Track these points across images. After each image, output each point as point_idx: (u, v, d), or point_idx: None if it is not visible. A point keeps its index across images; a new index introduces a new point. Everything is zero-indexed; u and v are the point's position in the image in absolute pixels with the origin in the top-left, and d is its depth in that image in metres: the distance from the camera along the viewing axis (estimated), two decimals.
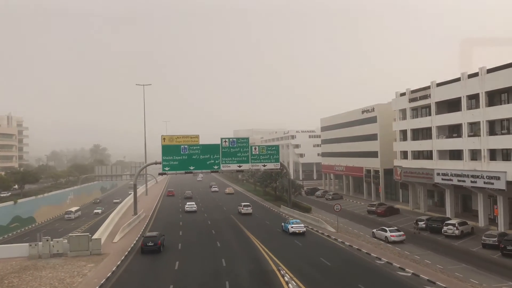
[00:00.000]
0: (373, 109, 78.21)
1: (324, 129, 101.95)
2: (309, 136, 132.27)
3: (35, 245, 37.43)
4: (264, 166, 63.81)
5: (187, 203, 74.24)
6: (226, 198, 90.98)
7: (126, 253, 38.74)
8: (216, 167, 61.93)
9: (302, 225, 48.46)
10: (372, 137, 77.79)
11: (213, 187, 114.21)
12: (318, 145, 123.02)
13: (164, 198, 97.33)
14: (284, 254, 37.10)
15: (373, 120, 77.96)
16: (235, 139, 63.54)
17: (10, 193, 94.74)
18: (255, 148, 63.89)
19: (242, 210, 65.78)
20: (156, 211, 71.96)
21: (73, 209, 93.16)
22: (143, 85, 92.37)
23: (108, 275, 31.25)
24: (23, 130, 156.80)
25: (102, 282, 29.54)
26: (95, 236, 40.90)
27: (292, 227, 47.27)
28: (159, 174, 63.00)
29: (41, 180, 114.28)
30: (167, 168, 60.64)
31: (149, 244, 38.89)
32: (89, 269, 33.36)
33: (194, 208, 71.18)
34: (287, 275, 29.63)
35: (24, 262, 36.00)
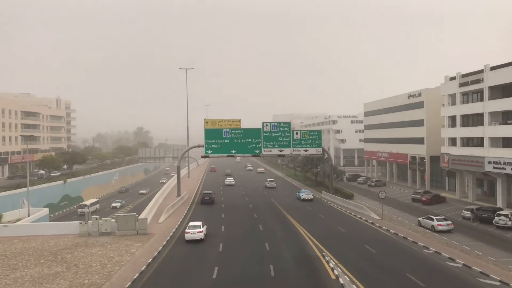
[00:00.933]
0: (420, 93, 75.47)
1: (367, 114, 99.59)
2: (351, 122, 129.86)
3: (85, 223, 38.84)
4: (306, 151, 63.14)
5: (227, 178, 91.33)
6: (258, 176, 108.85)
7: (171, 233, 39.59)
8: (257, 151, 61.91)
9: (311, 193, 65.52)
10: (418, 122, 75.25)
11: (248, 167, 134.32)
12: (360, 131, 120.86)
13: (207, 178, 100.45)
14: (327, 240, 36.67)
15: (419, 105, 75.30)
16: (276, 124, 63.07)
17: (59, 173, 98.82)
18: (297, 133, 63.28)
19: (267, 184, 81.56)
20: (199, 193, 72.93)
21: (88, 202, 77.04)
22: (186, 69, 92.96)
23: (155, 255, 32.03)
24: (70, 113, 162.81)
25: (149, 261, 30.30)
26: (141, 216, 41.95)
27: (302, 194, 64.47)
28: (202, 157, 63.74)
29: (88, 161, 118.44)
30: (209, 151, 61.23)
31: (206, 198, 60.73)
32: (136, 248, 34.30)
33: (232, 182, 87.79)
34: (332, 261, 29.29)
35: (75, 239, 37.49)
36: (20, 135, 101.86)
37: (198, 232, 36.69)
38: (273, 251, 33.34)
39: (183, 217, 48.74)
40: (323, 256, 30.87)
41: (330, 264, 28.63)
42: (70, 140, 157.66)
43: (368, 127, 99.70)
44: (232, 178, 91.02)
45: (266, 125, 62.32)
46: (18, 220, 49.54)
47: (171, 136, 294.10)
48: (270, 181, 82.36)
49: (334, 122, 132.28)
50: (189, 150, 79.32)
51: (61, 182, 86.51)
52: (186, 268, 29.09)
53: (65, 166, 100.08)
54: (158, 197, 58.57)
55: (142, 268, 28.65)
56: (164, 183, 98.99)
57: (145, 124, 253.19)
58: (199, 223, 37.91)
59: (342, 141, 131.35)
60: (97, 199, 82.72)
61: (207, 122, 61.98)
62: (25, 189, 74.31)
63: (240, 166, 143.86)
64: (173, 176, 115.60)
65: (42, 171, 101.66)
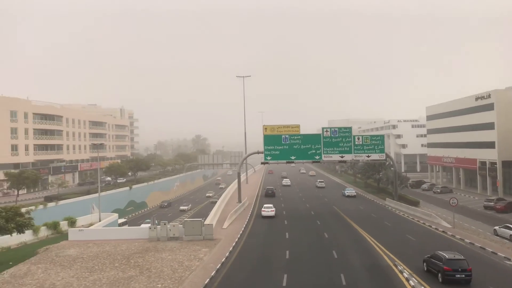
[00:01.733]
0: (489, 95, 71.41)
1: (430, 118, 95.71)
2: (412, 126, 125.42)
3: (154, 228, 40.08)
4: (368, 157, 61.46)
5: (284, 180, 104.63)
6: (310, 178, 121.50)
7: (237, 239, 39.92)
8: (317, 157, 61.10)
9: (354, 191, 77.72)
10: (488, 126, 71.20)
11: (301, 170, 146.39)
12: (422, 135, 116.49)
13: (265, 183, 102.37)
14: (397, 249, 35.35)
15: (489, 107, 71.24)
16: (336, 129, 62.03)
17: (125, 179, 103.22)
18: (358, 138, 61.83)
19: (318, 184, 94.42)
20: (259, 199, 73.18)
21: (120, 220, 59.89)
22: (243, 76, 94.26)
23: (223, 260, 32.36)
24: (133, 122, 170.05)
25: (218, 267, 30.64)
26: (206, 221, 42.69)
27: (346, 192, 76.70)
28: (262, 163, 63.95)
29: (151, 168, 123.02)
30: (269, 158, 61.23)
31: (269, 192, 76.82)
32: (204, 253, 34.86)
33: (289, 183, 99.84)
34: (405, 271, 28.14)
35: (145, 243, 38.75)
36: (92, 144, 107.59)
37: (271, 210, 54.47)
38: (342, 259, 32.59)
39: (245, 223, 49.05)
40: (395, 265, 29.75)
41: (404, 274, 27.52)
42: (134, 148, 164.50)
43: (431, 131, 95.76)
44: (288, 179, 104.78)
45: (326, 131, 61.42)
46: (91, 224, 52.19)
47: (227, 143, 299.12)
48: (320, 181, 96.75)
49: (394, 126, 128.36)
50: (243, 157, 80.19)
51: (127, 188, 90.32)
52: (255, 275, 29.10)
53: (130, 173, 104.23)
54: (220, 203, 59.45)
55: (212, 274, 28.99)
56: (210, 197, 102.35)
57: (202, 131, 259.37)
58: (271, 205, 56.52)
59: (403, 146, 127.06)
60: (125, 220, 65.39)
61: (266, 128, 62.16)
62: (94, 195, 78.28)
63: (294, 169, 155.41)
64: (222, 187, 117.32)
65: (109, 178, 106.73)
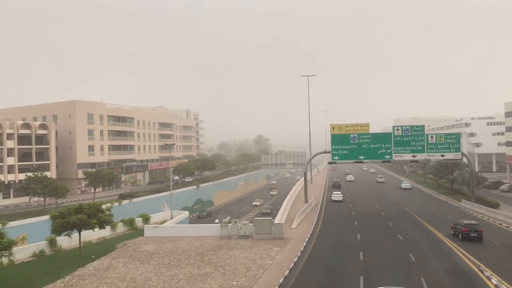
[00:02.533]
0: None
1: (509, 114, 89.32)
2: (488, 124, 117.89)
3: (225, 226, 40.68)
4: (442, 156, 58.47)
5: (347, 176, 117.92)
6: (370, 175, 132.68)
7: (307, 239, 39.51)
8: (387, 156, 59.06)
9: (409, 184, 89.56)
10: None
11: (363, 168, 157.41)
12: (499, 133, 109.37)
13: (329, 185, 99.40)
14: (480, 253, 33.18)
15: None
16: (408, 127, 59.60)
17: (192, 178, 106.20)
18: (432, 137, 59.01)
19: (378, 180, 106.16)
20: (325, 199, 72.12)
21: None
22: (308, 75, 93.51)
23: (295, 260, 32.13)
24: (198, 123, 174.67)
25: (291, 266, 30.44)
26: (276, 221, 42.63)
27: (402, 185, 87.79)
28: (329, 163, 62.93)
29: (216, 168, 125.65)
30: (336, 158, 60.06)
31: (336, 184, 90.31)
32: (275, 252, 34.80)
33: (352, 179, 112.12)
34: (493, 277, 26.28)
35: (217, 241, 39.41)
36: (164, 144, 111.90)
37: (339, 196, 70.32)
38: (420, 262, 31.13)
39: (314, 223, 48.48)
40: (481, 271, 27.88)
41: (492, 280, 25.70)
42: (199, 149, 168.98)
43: (510, 129, 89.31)
44: (351, 175, 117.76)
45: (397, 129, 59.23)
46: (163, 221, 54.06)
47: (289, 143, 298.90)
48: (380, 177, 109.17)
49: (467, 124, 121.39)
50: (309, 156, 79.32)
51: (195, 187, 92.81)
52: (330, 276, 28.56)
53: (197, 173, 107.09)
54: (287, 203, 59.18)
55: (286, 273, 28.83)
56: (257, 206, 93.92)
57: (264, 132, 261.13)
58: (339, 192, 73.19)
59: (477, 145, 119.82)
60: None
61: (333, 128, 60.97)
62: (164, 193, 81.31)
63: (357, 167, 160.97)
64: (273, 194, 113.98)
65: (177, 177, 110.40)
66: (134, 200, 72.87)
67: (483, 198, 62.15)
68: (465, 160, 66.20)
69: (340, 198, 69.84)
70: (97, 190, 78.02)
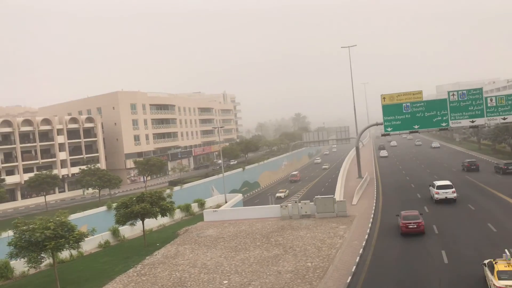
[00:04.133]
0: None
1: None
2: None
3: (286, 206, 39.75)
4: (504, 119, 54.86)
5: (391, 142, 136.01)
6: (409, 142, 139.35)
7: (372, 215, 38.00)
8: (444, 124, 55.99)
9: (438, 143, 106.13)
10: None
11: (403, 135, 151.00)
12: None
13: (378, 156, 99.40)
14: None
15: None
16: (465, 91, 56.17)
17: (236, 161, 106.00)
18: (491, 99, 55.36)
19: (416, 143, 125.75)
20: (379, 174, 69.94)
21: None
22: (348, 46, 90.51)
23: (366, 238, 30.84)
24: (236, 106, 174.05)
25: (363, 244, 29.22)
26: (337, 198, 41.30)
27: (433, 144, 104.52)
28: (382, 135, 60.58)
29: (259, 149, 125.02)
30: (389, 129, 57.53)
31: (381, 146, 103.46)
32: (343, 230, 33.57)
33: (395, 144, 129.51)
34: None
35: (279, 222, 38.55)
36: (213, 128, 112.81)
37: (385, 152, 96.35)
38: (503, 232, 29.10)
39: (375, 198, 46.77)
40: None
41: None
42: (238, 131, 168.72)
43: None
44: (395, 141, 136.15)
45: (453, 94, 55.92)
46: (218, 206, 53.86)
47: (326, 120, 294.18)
48: (417, 140, 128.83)
49: None
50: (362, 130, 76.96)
51: (240, 169, 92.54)
52: (407, 253, 27.20)
53: (242, 155, 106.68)
54: (341, 180, 57.64)
55: (360, 251, 27.67)
56: (280, 198, 76.48)
57: (300, 110, 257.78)
58: (384, 150, 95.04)
59: None
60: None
61: (384, 98, 58.27)
62: (212, 177, 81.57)
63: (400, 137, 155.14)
64: (325, 167, 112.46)
65: (220, 161, 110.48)
66: (185, 186, 73.24)
67: None
68: None
69: (386, 154, 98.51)
70: (146, 178, 79.05)
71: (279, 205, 40.94)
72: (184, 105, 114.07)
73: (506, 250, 20.20)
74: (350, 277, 23.50)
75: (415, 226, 30.62)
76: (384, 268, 24.89)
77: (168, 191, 53.78)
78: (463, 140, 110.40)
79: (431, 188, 44.97)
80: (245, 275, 25.66)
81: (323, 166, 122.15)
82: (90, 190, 72.84)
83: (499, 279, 18.58)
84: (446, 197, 41.55)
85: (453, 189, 41.99)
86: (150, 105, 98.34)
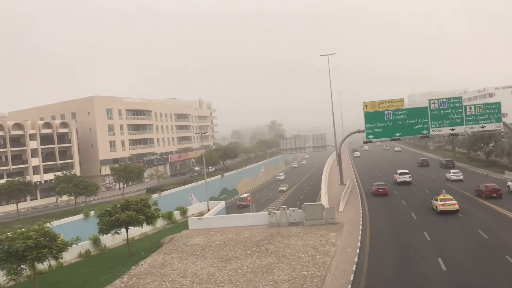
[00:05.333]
0: None
1: None
2: None
3: (274, 214, 39.03)
4: (483, 127, 56.32)
5: (363, 147, 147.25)
6: (378, 147, 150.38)
7: (361, 221, 37.83)
8: (425, 131, 56.92)
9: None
10: None
11: (385, 146, 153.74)
12: None
13: (356, 162, 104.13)
14: None
15: None
16: (445, 100, 57.30)
17: (214, 168, 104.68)
18: (470, 108, 56.72)
19: (384, 147, 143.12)
20: (359, 180, 70.17)
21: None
22: (328, 55, 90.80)
23: (359, 245, 30.50)
24: (212, 112, 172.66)
25: (357, 251, 28.84)
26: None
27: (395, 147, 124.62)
28: (364, 142, 60.84)
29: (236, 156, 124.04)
30: (371, 136, 57.98)
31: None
32: (334, 238, 33.06)
33: (367, 148, 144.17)
34: None
35: (267, 229, 37.72)
36: (196, 133, 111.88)
37: (358, 153, 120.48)
38: (495, 239, 29.27)
39: (360, 204, 46.78)
40: None
41: None
42: (214, 138, 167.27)
43: None
44: (366, 146, 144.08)
45: (434, 102, 56.96)
46: (200, 213, 52.70)
47: (302, 128, 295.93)
48: (386, 146, 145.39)
49: (491, 95, 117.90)
50: (343, 137, 77.38)
51: (219, 176, 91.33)
52: (403, 259, 26.93)
53: (220, 162, 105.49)
54: (325, 188, 57.44)
55: (355, 259, 27.21)
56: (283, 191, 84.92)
57: (275, 117, 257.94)
58: (358, 152, 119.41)
59: (503, 115, 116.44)
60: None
61: (366, 105, 58.73)
62: (191, 184, 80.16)
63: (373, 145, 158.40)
64: (282, 189, 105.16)
65: (198, 168, 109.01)
66: (163, 193, 71.52)
67: None
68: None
69: (359, 155, 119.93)
70: (122, 186, 76.81)
71: (266, 212, 40.26)
72: (161, 110, 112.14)
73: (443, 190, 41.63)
74: (350, 286, 22.98)
75: (382, 190, 52.42)
76: (383, 276, 24.49)
77: (153, 197, 52.15)
78: (438, 148, 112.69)
79: (394, 175, 64.25)
80: (240, 285, 24.73)
81: (280, 188, 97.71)
82: (64, 198, 70.16)
83: (440, 201, 39.22)
84: (405, 180, 60.96)
85: (409, 175, 61.86)
86: (126, 110, 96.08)
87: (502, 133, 65.10)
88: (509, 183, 49.75)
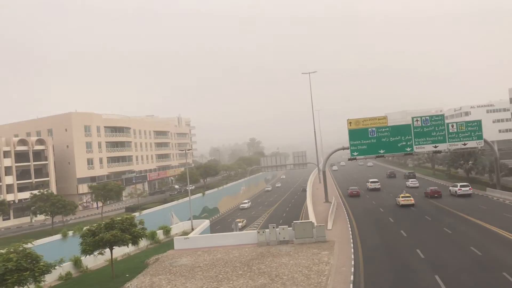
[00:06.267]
0: None
1: None
2: (487, 111, 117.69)
3: (263, 232, 38.11)
4: (465, 144, 57.32)
5: (341, 162, 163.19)
6: (354, 163, 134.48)
7: (351, 239, 37.33)
8: (408, 149, 57.63)
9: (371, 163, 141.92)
10: None
11: (360, 162, 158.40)
12: (499, 120, 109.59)
13: (336, 176, 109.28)
14: None
15: None
16: (428, 118, 58.34)
17: (194, 186, 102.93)
18: (452, 126, 57.91)
19: (359, 163, 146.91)
20: (343, 196, 70.07)
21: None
22: (309, 73, 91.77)
23: (353, 263, 29.89)
24: (191, 129, 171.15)
25: (352, 270, 28.20)
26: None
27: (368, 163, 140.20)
28: (348, 159, 60.88)
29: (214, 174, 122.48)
30: (355, 153, 58.26)
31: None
32: (326, 256, 32.32)
33: (344, 164, 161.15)
34: None
35: (256, 248, 36.70)
36: (179, 150, 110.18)
37: (336, 168, 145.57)
38: (488, 256, 29.17)
39: (348, 221, 46.45)
40: None
41: None
42: (193, 155, 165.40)
43: None
44: (343, 162, 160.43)
45: (417, 120, 57.80)
46: (184, 232, 51.23)
47: (280, 145, 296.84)
48: (360, 162, 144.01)
49: (467, 113, 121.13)
50: (328, 154, 77.61)
51: (200, 194, 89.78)
52: (400, 276, 26.42)
53: (202, 180, 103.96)
54: (311, 206, 56.88)
55: (351, 279, 26.56)
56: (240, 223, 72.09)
57: (253, 135, 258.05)
58: (336, 167, 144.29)
59: None
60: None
61: (350, 123, 59.13)
62: (172, 203, 78.44)
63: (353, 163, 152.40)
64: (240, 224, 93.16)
65: (177, 186, 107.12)
66: (144, 212, 69.53)
67: (505, 185, 60.82)
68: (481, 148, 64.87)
69: (337, 168, 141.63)
70: (100, 205, 74.44)
71: (255, 230, 39.31)
72: (140, 127, 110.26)
73: (404, 190, 59.91)
74: None
75: (355, 192, 69.65)
76: None
77: (137, 216, 50.41)
78: (417, 165, 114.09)
79: (367, 183, 79.45)
80: None
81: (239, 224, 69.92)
82: (40, 217, 67.38)
83: (402, 198, 55.35)
84: (375, 187, 76.21)
85: (379, 183, 77.77)
86: (105, 127, 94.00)
87: (483, 150, 65.92)
88: (450, 187, 63.64)
